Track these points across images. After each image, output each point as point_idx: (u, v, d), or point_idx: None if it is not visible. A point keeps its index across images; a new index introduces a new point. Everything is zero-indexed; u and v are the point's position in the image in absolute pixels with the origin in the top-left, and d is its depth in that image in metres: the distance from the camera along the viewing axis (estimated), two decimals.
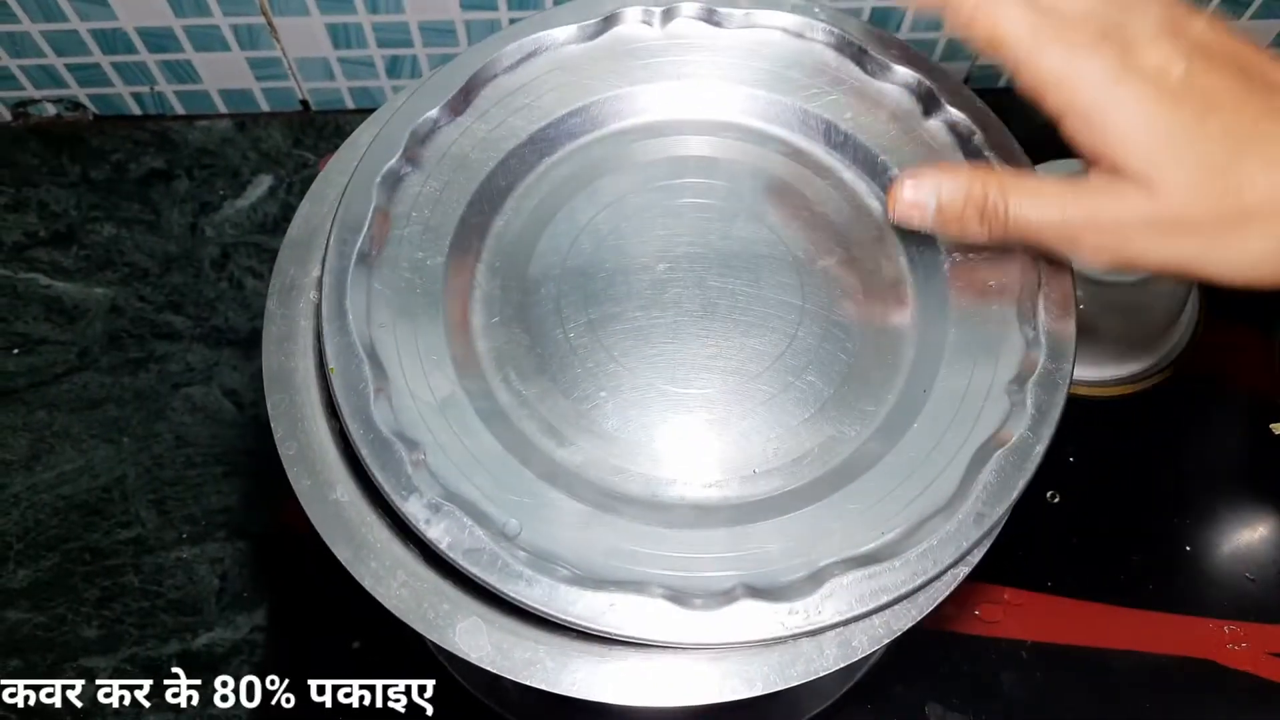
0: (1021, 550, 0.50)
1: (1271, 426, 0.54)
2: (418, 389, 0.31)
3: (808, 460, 0.32)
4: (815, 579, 0.28)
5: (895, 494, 0.30)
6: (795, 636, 0.27)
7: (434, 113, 0.35)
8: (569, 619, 0.27)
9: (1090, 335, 0.52)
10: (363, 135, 0.37)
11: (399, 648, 0.46)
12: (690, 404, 0.32)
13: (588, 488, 0.30)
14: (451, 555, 0.27)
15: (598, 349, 0.33)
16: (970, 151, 0.36)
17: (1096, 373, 0.54)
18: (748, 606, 0.27)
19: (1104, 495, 0.52)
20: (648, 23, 0.38)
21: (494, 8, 0.59)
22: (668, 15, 0.38)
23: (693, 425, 0.32)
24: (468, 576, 0.27)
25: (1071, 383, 0.31)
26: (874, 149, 0.36)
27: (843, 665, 0.28)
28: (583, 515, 0.29)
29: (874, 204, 0.37)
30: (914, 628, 0.29)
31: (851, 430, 0.32)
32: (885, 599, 0.27)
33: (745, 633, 0.27)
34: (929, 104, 0.36)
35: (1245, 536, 0.52)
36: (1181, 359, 0.55)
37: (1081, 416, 0.54)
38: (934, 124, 0.36)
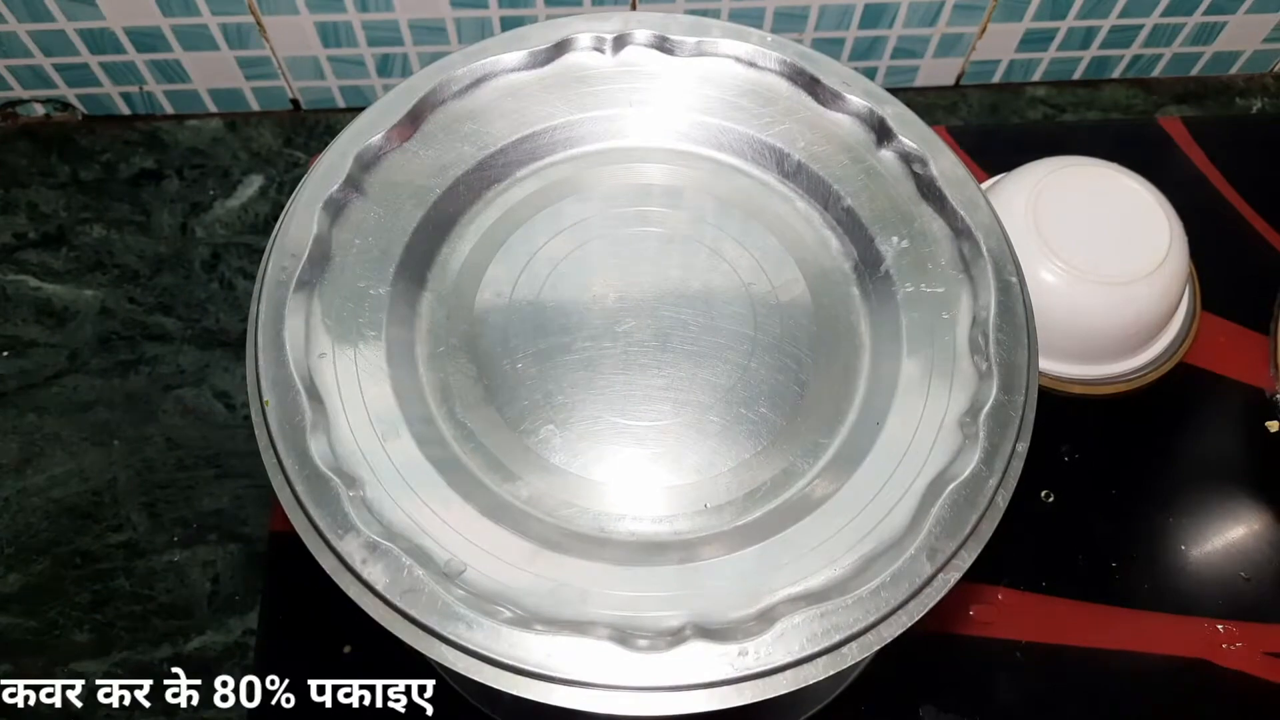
0: (1016, 550, 0.50)
1: (1267, 425, 0.54)
2: (357, 422, 0.30)
3: (760, 494, 0.31)
4: (766, 618, 0.27)
5: (847, 529, 0.29)
6: (745, 679, 0.27)
7: (379, 138, 0.34)
8: (512, 662, 0.26)
9: (1086, 333, 0.52)
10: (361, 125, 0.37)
11: (391, 652, 0.45)
12: (640, 437, 0.32)
13: (534, 524, 0.30)
14: (389, 596, 0.27)
15: (546, 380, 0.33)
16: (921, 181, 0.36)
17: (1092, 371, 0.54)
18: (697, 648, 0.26)
19: (1099, 494, 0.52)
20: (599, 50, 0.37)
21: (484, 6, 0.59)
22: (619, 43, 0.37)
23: (643, 459, 0.32)
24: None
25: (1030, 409, 0.31)
26: (827, 178, 0.36)
27: (833, 673, 0.28)
28: (528, 553, 0.29)
29: (827, 233, 0.37)
30: (907, 630, 0.29)
31: (804, 463, 0.32)
32: (838, 637, 0.27)
33: (693, 675, 0.26)
34: (881, 133, 0.36)
35: (1240, 536, 0.52)
36: (1177, 357, 0.55)
37: (1076, 415, 0.54)
38: (886, 154, 0.36)
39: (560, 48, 0.37)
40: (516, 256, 0.35)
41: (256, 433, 0.30)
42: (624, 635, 0.26)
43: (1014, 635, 0.48)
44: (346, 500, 0.28)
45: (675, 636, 0.27)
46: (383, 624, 0.27)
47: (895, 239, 0.35)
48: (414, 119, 0.35)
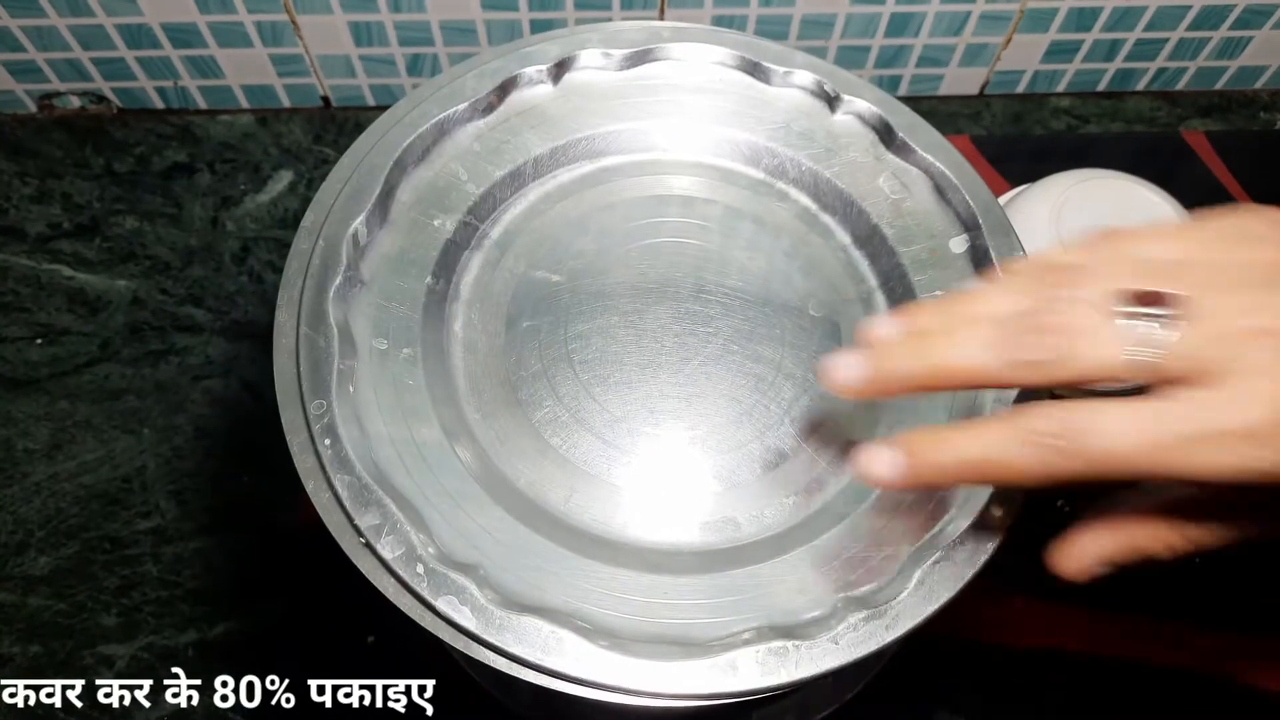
0: (1031, 559, 0.50)
1: None
2: (394, 430, 0.31)
3: (784, 508, 0.32)
4: (835, 617, 0.28)
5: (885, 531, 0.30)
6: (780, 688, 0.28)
7: (397, 157, 0.35)
8: (584, 677, 0.27)
9: None
10: (367, 140, 0.37)
11: (414, 640, 0.46)
12: (661, 447, 0.33)
13: (562, 530, 0.30)
14: (461, 622, 0.27)
15: (576, 388, 0.33)
16: (942, 191, 0.36)
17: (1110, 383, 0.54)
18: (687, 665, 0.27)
19: None
20: (606, 66, 0.38)
21: (514, 8, 0.59)
22: (627, 59, 0.38)
23: (659, 470, 0.32)
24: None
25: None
26: (846, 190, 0.37)
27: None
28: (553, 556, 0.29)
29: (846, 240, 0.37)
30: (920, 633, 0.29)
31: (831, 475, 0.33)
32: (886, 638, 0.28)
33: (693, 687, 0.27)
34: (897, 145, 0.37)
35: (1255, 551, 0.52)
36: None
37: None
38: (902, 164, 0.37)
39: (564, 65, 0.38)
40: (543, 266, 0.36)
41: (288, 435, 0.31)
42: (693, 646, 0.27)
43: (1027, 642, 0.49)
44: (395, 512, 0.28)
45: (742, 639, 0.27)
46: (465, 651, 0.28)
47: (916, 249, 0.36)
48: (437, 135, 0.36)
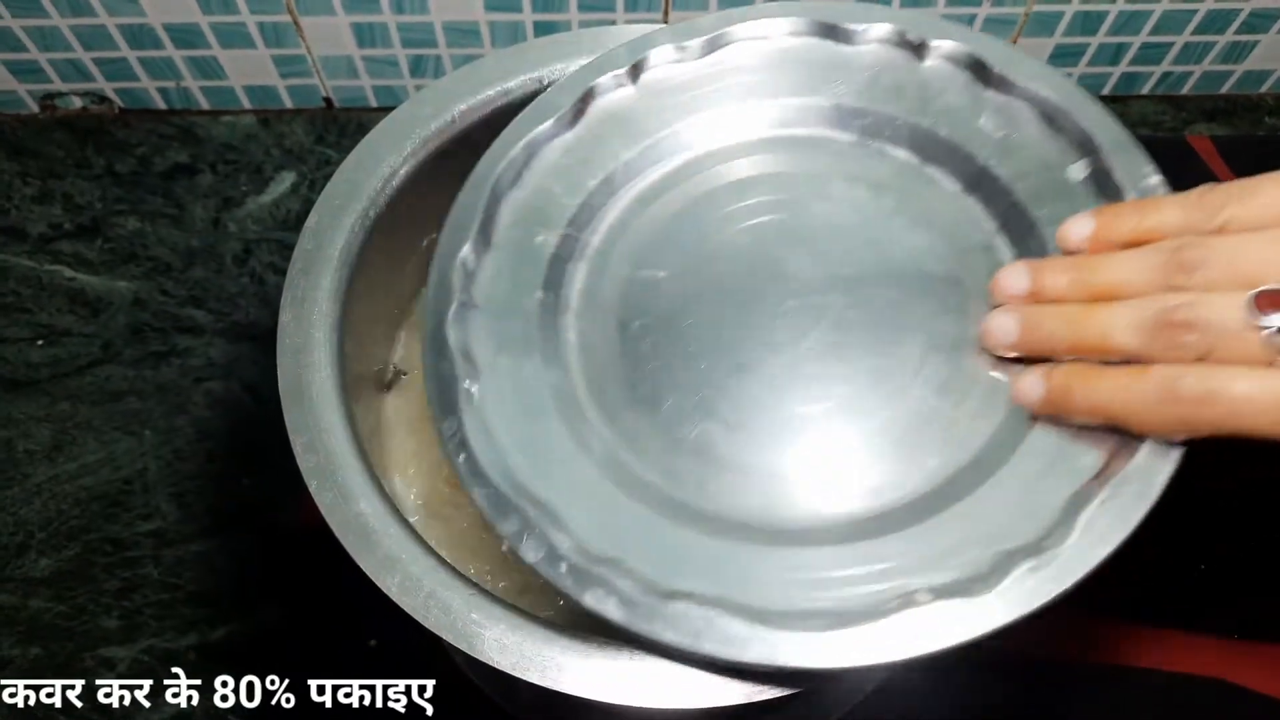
0: None
1: None
2: (524, 439, 0.31)
3: (926, 469, 0.30)
4: (998, 571, 0.27)
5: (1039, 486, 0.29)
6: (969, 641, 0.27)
7: (499, 172, 0.35)
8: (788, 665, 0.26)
9: None
10: (373, 141, 0.37)
11: (414, 643, 0.46)
12: (796, 426, 0.31)
13: (700, 518, 0.30)
14: (627, 623, 0.27)
15: (695, 377, 0.33)
16: (1051, 119, 0.34)
17: None
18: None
19: None
20: (682, 58, 0.38)
21: (518, 9, 0.59)
22: (702, 47, 0.37)
23: (791, 447, 0.31)
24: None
25: None
26: (947, 136, 0.35)
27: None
28: (693, 543, 0.29)
29: (956, 187, 0.35)
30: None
31: (963, 434, 0.31)
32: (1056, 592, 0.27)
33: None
34: (995, 81, 0.35)
35: (1260, 557, 0.52)
36: None
37: None
38: (1003, 99, 0.35)
39: (639, 66, 0.37)
40: (650, 263, 0.35)
41: (291, 437, 0.30)
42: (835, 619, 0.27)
43: (1032, 649, 0.49)
44: (533, 515, 0.28)
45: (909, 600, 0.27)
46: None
47: (1031, 183, 0.33)
48: (528, 156, 0.36)
